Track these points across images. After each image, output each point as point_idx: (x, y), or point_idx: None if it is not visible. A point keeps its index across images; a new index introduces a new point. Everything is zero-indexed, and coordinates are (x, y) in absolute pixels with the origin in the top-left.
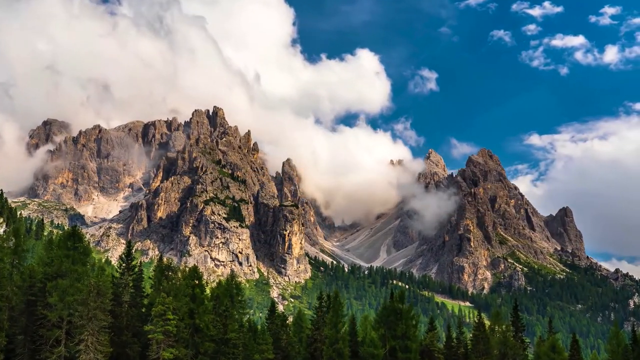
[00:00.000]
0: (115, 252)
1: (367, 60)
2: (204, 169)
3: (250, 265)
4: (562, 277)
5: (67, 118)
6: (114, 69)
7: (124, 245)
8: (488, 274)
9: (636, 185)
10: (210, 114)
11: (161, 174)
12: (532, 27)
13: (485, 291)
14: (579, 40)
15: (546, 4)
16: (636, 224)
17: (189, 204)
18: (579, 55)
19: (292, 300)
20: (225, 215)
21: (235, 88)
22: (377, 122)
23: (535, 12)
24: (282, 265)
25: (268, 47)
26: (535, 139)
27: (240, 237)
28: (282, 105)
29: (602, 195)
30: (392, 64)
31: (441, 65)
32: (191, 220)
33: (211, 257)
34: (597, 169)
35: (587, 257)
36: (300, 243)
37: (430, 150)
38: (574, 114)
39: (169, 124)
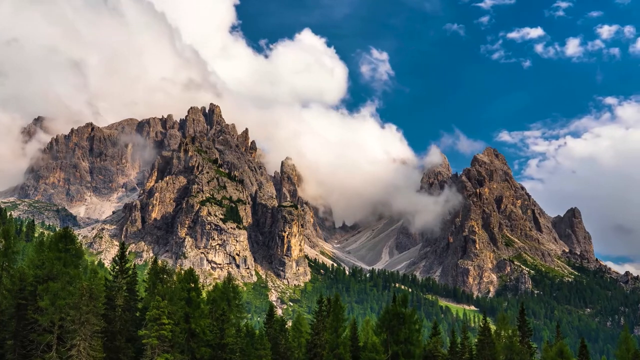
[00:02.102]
0: (108, 254)
1: (313, 42)
2: (200, 169)
3: (248, 268)
4: (570, 280)
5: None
6: (85, 51)
7: (118, 247)
8: (494, 277)
9: (615, 182)
10: (207, 111)
11: (156, 173)
12: (484, 19)
13: (490, 295)
14: (537, 32)
15: None
16: (622, 223)
17: (184, 204)
18: (539, 48)
19: (291, 304)
20: (222, 216)
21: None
22: (342, 106)
23: (485, 4)
24: (281, 268)
25: (209, 32)
26: (505, 136)
27: (237, 239)
28: (247, 96)
29: (585, 196)
30: (341, 48)
31: (398, 56)
32: (187, 222)
33: (207, 260)
34: (574, 167)
35: (596, 259)
36: (300, 245)
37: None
38: (543, 109)
39: (164, 121)
